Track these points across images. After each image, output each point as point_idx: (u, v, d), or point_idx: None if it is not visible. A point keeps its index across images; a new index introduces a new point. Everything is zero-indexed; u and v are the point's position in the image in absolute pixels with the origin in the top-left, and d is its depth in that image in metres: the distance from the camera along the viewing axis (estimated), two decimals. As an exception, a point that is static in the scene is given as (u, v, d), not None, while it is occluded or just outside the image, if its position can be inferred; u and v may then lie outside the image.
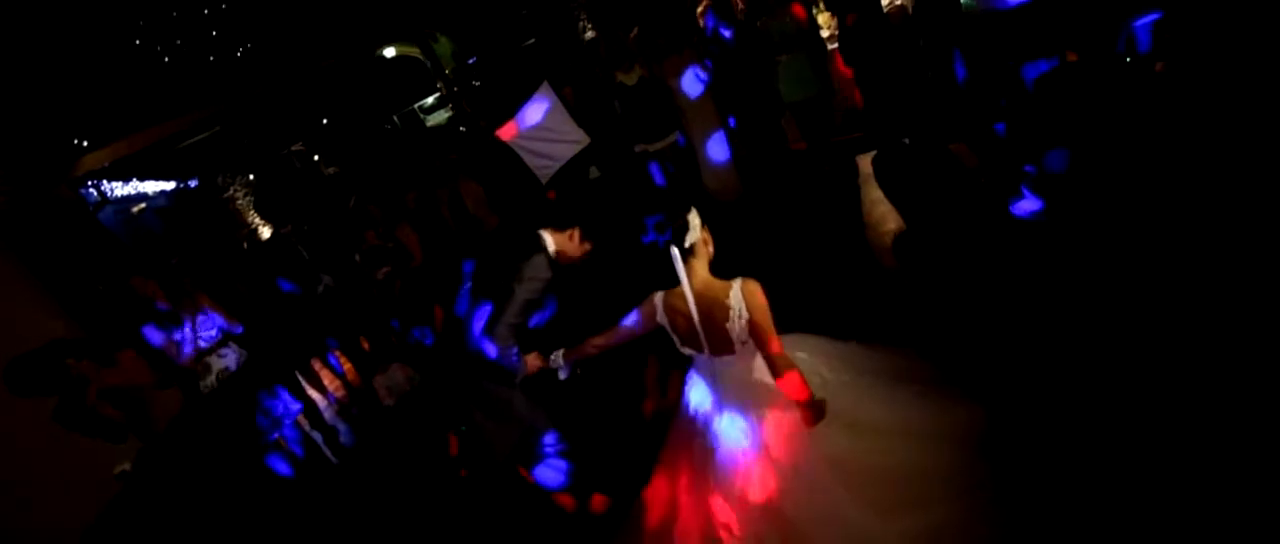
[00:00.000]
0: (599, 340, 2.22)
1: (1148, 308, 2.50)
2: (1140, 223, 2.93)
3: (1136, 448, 2.02)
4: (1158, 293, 2.55)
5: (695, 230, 1.95)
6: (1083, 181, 3.22)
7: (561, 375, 2.36)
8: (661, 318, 2.06)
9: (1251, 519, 1.77)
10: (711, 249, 2.03)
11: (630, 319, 2.13)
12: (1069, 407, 2.24)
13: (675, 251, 1.94)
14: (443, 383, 2.69)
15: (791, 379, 1.90)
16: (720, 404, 2.07)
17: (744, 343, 1.95)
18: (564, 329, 2.47)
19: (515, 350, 2.32)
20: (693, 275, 1.97)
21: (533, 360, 2.38)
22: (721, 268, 2.04)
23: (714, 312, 1.94)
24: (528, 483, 2.76)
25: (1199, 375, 2.15)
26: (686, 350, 2.10)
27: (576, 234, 2.43)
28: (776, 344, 1.90)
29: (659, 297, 2.06)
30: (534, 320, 2.41)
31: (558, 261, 2.41)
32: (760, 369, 2.02)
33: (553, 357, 2.34)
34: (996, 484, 1.92)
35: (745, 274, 1.97)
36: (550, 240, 2.40)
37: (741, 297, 1.91)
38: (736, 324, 1.91)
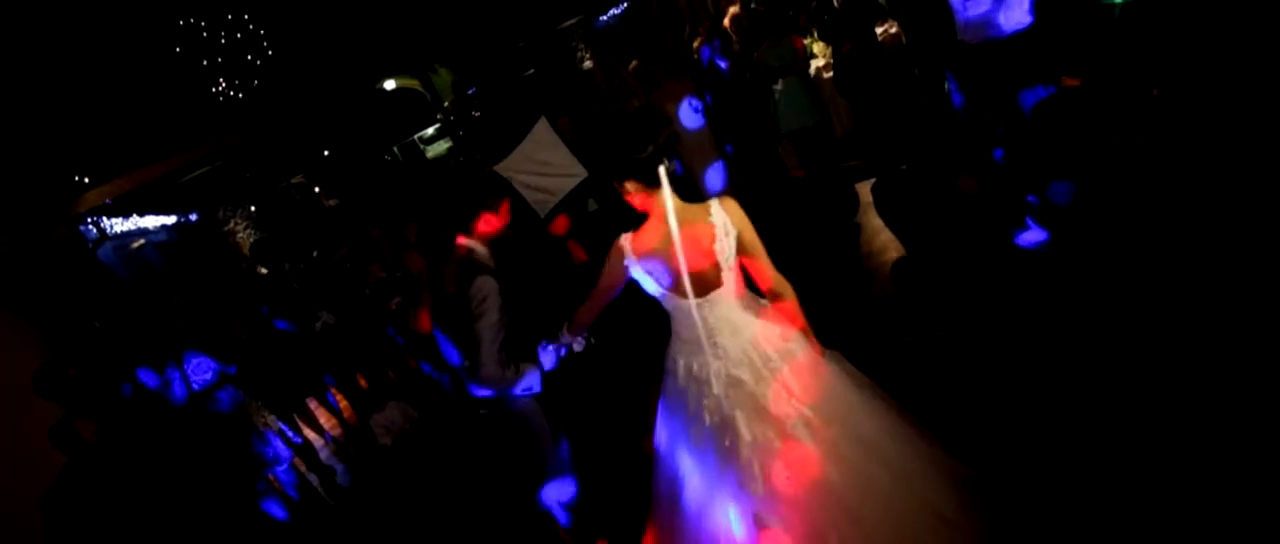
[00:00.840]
0: (585, 310, 2.09)
1: (1159, 337, 2.44)
2: (1144, 247, 2.89)
3: (1143, 480, 1.95)
4: (1169, 320, 2.49)
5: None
6: (1087, 210, 3.18)
7: (577, 348, 2.23)
8: (631, 259, 1.89)
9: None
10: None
11: (604, 274, 1.97)
12: (1077, 443, 2.17)
13: (661, 169, 1.80)
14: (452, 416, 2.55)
15: (788, 306, 1.87)
16: (710, 381, 1.88)
17: (731, 268, 1.83)
18: (549, 318, 2.31)
19: (511, 377, 2.15)
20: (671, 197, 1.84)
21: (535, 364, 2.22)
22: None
23: (698, 236, 1.81)
24: (534, 521, 2.66)
25: (1212, 408, 2.09)
26: (667, 294, 1.90)
27: (487, 216, 2.22)
28: (767, 262, 1.85)
29: (625, 238, 1.90)
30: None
31: (494, 251, 2.22)
32: (749, 301, 1.92)
33: (562, 338, 2.19)
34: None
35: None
36: (475, 245, 2.22)
37: (724, 213, 1.82)
38: (724, 243, 1.80)
